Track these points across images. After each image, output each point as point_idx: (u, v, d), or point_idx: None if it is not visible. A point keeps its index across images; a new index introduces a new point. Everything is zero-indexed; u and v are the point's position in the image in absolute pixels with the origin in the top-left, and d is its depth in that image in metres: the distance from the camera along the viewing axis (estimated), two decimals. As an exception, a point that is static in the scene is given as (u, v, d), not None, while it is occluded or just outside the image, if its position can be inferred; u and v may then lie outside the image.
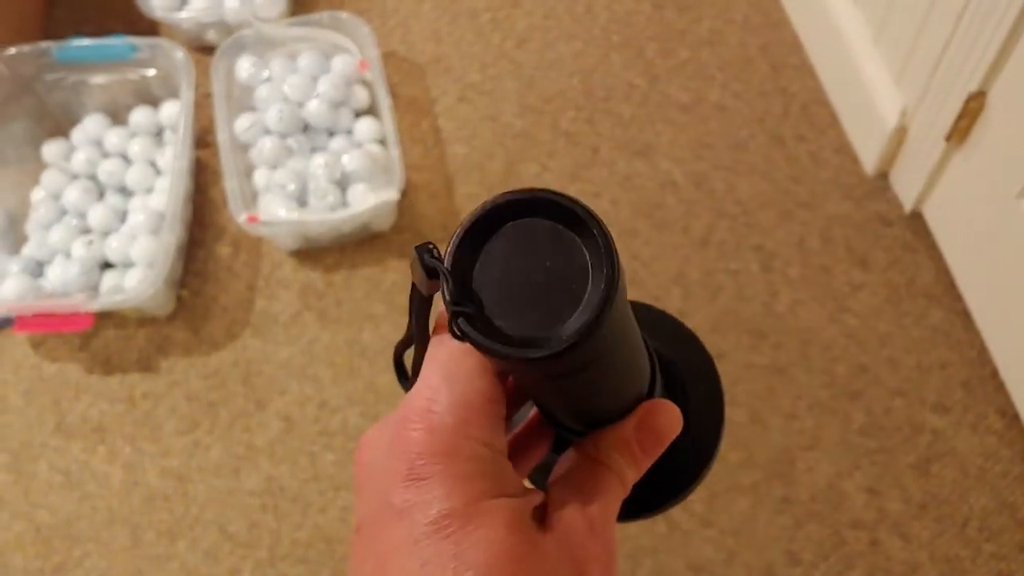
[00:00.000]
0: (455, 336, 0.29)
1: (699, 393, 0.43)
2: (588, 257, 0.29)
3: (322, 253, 1.30)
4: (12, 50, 1.31)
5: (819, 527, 1.09)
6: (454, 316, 0.29)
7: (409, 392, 0.33)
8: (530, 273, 0.29)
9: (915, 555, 1.07)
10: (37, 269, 1.25)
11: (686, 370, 0.43)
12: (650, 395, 0.39)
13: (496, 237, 0.30)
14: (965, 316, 1.20)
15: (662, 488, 0.42)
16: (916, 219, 1.27)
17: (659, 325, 0.44)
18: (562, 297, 0.29)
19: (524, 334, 0.29)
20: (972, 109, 1.08)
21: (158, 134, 1.37)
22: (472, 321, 0.29)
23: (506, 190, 0.30)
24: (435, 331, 0.33)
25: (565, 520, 0.33)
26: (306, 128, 1.33)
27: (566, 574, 0.32)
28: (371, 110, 1.36)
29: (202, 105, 1.37)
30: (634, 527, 1.09)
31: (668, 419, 0.38)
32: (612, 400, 0.36)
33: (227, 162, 1.25)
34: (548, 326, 0.29)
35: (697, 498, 1.11)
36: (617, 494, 0.35)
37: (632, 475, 0.36)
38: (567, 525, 0.33)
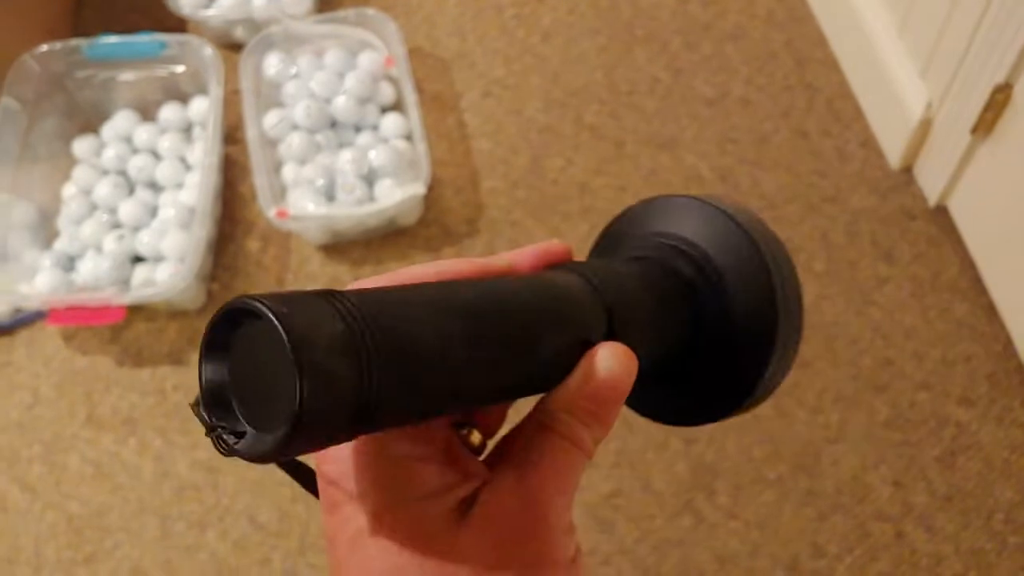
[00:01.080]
0: (222, 452, 0.29)
1: (742, 285, 0.39)
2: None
3: (349, 247, 1.31)
4: (43, 48, 1.33)
5: (844, 519, 1.09)
6: (213, 436, 0.28)
7: None
8: (260, 373, 0.28)
9: (940, 548, 1.08)
10: (69, 263, 1.27)
11: (724, 261, 0.39)
12: (611, 332, 0.36)
13: (234, 345, 0.28)
14: (990, 309, 1.20)
15: (720, 392, 0.40)
16: (941, 213, 1.27)
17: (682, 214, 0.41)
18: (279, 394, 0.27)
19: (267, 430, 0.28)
20: (998, 101, 1.08)
21: (187, 130, 1.38)
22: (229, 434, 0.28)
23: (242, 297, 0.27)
24: None
25: (492, 501, 0.32)
26: (333, 124, 1.34)
27: (483, 563, 0.31)
28: (397, 106, 1.38)
29: (231, 101, 1.38)
30: (659, 519, 1.10)
31: (615, 365, 0.34)
32: (504, 385, 0.33)
33: (256, 158, 1.26)
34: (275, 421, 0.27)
35: (722, 490, 1.11)
36: (569, 460, 0.33)
37: (592, 432, 0.33)
38: (494, 506, 0.32)
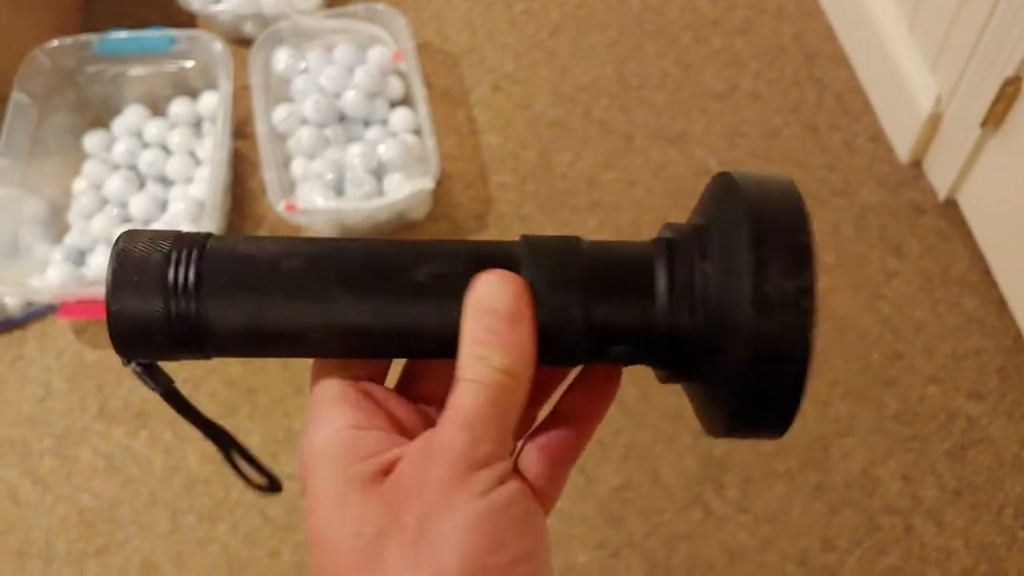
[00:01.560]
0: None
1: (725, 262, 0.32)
2: None
3: (358, 242, 1.31)
4: (54, 43, 1.34)
5: (853, 513, 1.09)
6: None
7: None
8: None
9: (950, 542, 1.08)
10: (79, 257, 1.27)
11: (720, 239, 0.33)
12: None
13: None
14: (1000, 303, 1.20)
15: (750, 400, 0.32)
16: (950, 207, 1.27)
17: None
18: None
19: None
20: (1008, 94, 1.08)
21: (197, 125, 1.38)
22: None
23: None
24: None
25: (404, 455, 0.33)
26: (342, 118, 1.34)
27: (388, 517, 0.31)
28: (406, 100, 1.38)
29: (240, 96, 1.38)
30: (669, 513, 1.10)
31: (489, 292, 0.32)
32: (379, 329, 0.34)
33: (265, 152, 1.26)
34: None
35: (732, 484, 1.11)
36: (471, 392, 0.32)
37: (493, 362, 0.32)
38: (404, 459, 0.33)
